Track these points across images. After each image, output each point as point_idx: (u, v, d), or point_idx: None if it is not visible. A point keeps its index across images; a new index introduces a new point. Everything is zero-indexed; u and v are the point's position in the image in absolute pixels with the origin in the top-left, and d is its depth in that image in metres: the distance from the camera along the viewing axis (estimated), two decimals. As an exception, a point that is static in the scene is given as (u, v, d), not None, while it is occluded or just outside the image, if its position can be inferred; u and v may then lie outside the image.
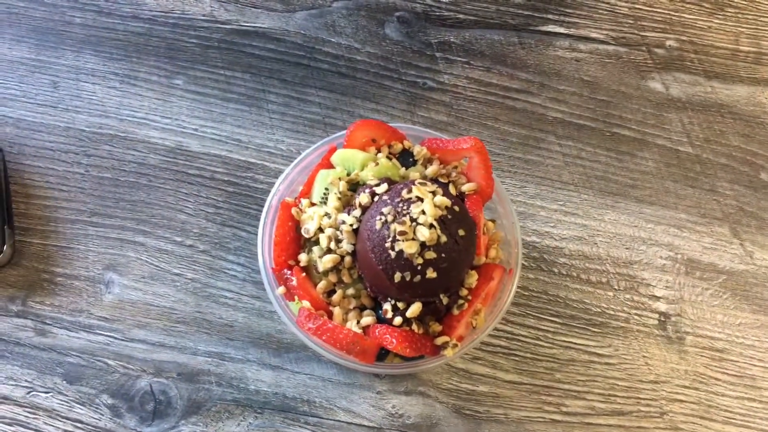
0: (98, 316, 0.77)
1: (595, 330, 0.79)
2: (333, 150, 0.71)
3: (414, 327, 0.63)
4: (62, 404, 0.74)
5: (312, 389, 0.76)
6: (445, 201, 0.61)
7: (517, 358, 0.78)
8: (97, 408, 0.74)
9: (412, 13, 0.92)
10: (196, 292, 0.79)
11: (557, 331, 0.79)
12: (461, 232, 0.61)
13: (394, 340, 0.61)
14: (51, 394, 0.75)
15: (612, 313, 0.80)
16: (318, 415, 0.75)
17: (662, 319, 0.80)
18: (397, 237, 0.60)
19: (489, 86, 0.89)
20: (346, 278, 0.65)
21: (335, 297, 0.65)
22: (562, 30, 0.92)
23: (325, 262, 0.64)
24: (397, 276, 0.60)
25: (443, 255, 0.60)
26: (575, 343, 0.79)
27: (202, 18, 0.90)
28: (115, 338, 0.77)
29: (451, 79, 0.89)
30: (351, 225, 0.64)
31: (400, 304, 0.63)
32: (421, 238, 0.59)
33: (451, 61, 0.90)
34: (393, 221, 0.60)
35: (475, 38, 0.91)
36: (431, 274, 0.60)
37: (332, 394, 0.76)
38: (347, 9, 0.92)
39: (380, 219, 0.61)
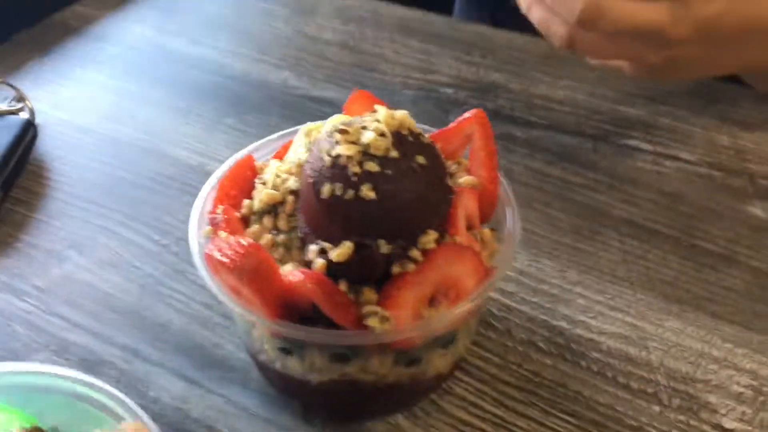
0: (34, 285, 0.67)
1: (626, 448, 0.55)
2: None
3: (341, 288, 0.47)
4: (-55, 357, 0.62)
5: (221, 416, 0.57)
6: (410, 121, 0.49)
7: (503, 456, 0.55)
8: (-25, 369, 0.61)
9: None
10: (146, 287, 0.67)
11: (570, 435, 0.56)
12: (420, 159, 0.48)
13: (302, 275, 0.46)
14: (-58, 343, 0.63)
15: (654, 433, 0.56)
16: (214, 448, 0.56)
17: (731, 460, 0.54)
18: (338, 141, 0.48)
19: (548, 176, 0.78)
20: (282, 224, 0.52)
21: (263, 241, 0.52)
22: (647, 146, 0.81)
23: (263, 198, 0.53)
24: (327, 189, 0.47)
25: (389, 172, 0.47)
26: (593, 458, 0.55)
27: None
28: (38, 308, 0.65)
29: (506, 165, 0.79)
30: (300, 157, 0.53)
31: (327, 246, 0.48)
32: (365, 141, 0.47)
33: (511, 150, 0.81)
34: (340, 132, 0.49)
35: (543, 137, 0.83)
36: (368, 192, 0.46)
37: (243, 428, 0.56)
38: (415, 98, 0.89)
39: (327, 134, 0.50)
